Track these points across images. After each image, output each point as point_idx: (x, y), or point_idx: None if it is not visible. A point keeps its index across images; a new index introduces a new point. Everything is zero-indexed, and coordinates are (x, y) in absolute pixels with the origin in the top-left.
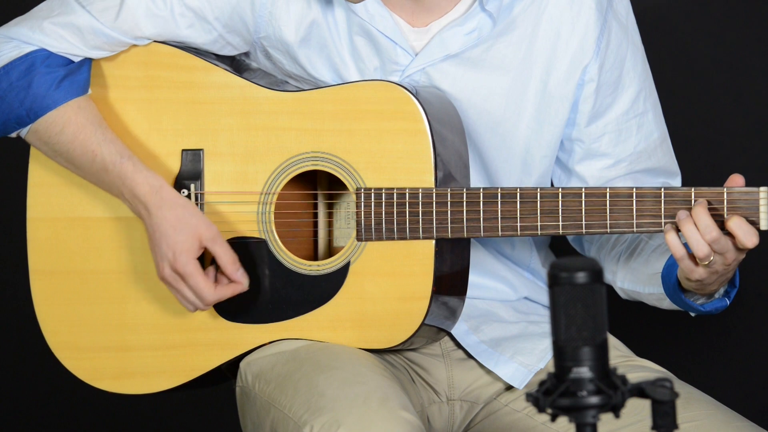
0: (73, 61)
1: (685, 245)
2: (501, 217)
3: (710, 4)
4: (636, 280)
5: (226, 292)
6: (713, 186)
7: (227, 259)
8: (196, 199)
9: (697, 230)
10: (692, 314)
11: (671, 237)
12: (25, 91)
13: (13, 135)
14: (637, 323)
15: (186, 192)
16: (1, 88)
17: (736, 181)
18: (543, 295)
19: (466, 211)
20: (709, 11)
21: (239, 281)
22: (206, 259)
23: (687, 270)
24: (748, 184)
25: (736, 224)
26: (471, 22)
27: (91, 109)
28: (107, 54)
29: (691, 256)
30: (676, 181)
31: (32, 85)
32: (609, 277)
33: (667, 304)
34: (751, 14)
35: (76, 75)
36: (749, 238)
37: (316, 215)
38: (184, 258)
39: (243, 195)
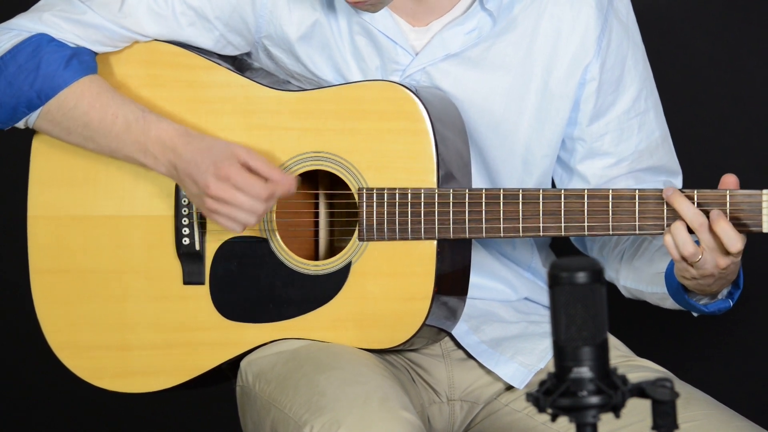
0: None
1: None
2: (503, 218)
3: (710, 3)
4: (639, 279)
5: (278, 187)
6: (714, 188)
7: (269, 167)
8: None
9: (685, 230)
10: (695, 314)
11: (668, 238)
12: (34, 73)
13: (21, 125)
14: (637, 323)
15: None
16: (9, 73)
17: (729, 180)
18: (543, 296)
19: (468, 211)
20: (708, 10)
21: (289, 181)
22: None
23: (682, 269)
24: (748, 184)
25: (722, 229)
26: (471, 21)
27: (103, 81)
28: (109, 49)
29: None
30: (678, 180)
31: (41, 65)
32: (612, 275)
33: (669, 303)
34: (751, 13)
35: (83, 55)
36: (733, 244)
37: (317, 215)
38: (227, 162)
39: None
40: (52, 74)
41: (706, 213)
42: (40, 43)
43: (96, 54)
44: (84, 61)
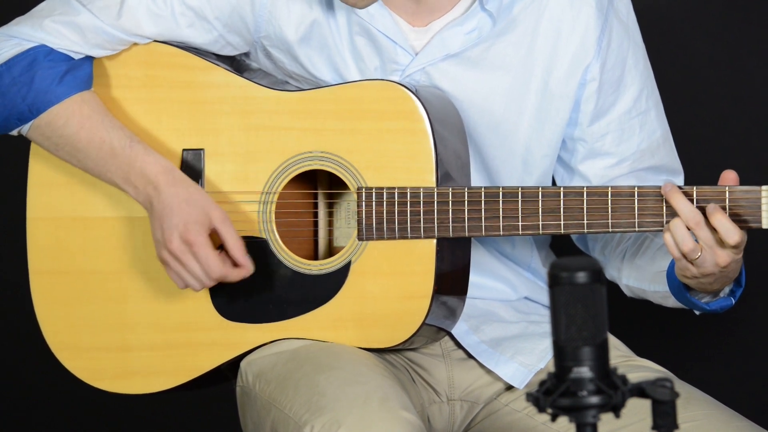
0: (74, 58)
1: None
2: (502, 216)
3: (710, 3)
4: (641, 277)
5: (231, 273)
6: (714, 185)
7: (236, 242)
8: None
9: (684, 227)
10: (697, 312)
11: (668, 236)
12: (27, 87)
13: (14, 133)
14: (637, 323)
15: None
16: (3, 84)
17: (729, 176)
18: (543, 295)
19: (468, 210)
20: (708, 10)
21: (246, 265)
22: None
23: (682, 267)
24: (747, 183)
25: (718, 221)
26: (471, 21)
27: (96, 101)
28: (108, 53)
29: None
30: (679, 179)
31: (35, 80)
32: (614, 274)
33: (672, 302)
34: (751, 13)
35: (78, 70)
36: (730, 236)
37: (316, 215)
38: (196, 227)
39: (244, 195)
40: (45, 90)
41: (703, 210)
42: (37, 56)
43: (94, 60)
44: (78, 77)
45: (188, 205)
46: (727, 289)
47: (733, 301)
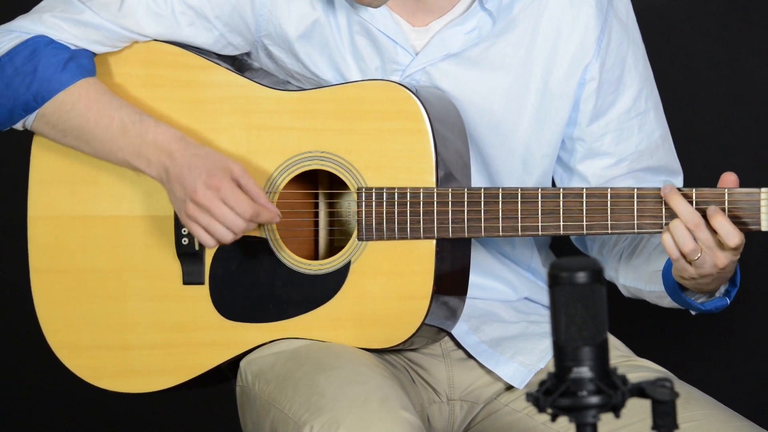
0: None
1: None
2: (502, 217)
3: (710, 3)
4: (637, 278)
5: (263, 211)
6: (713, 187)
7: (260, 191)
8: None
9: (684, 227)
10: (693, 312)
11: (666, 237)
12: (31, 76)
13: (19, 126)
14: (637, 323)
15: None
16: (6, 75)
17: (729, 179)
18: (543, 296)
19: (467, 210)
20: (708, 10)
21: (273, 210)
22: None
23: (680, 268)
24: (747, 183)
25: (719, 223)
26: (471, 21)
27: (101, 85)
28: (108, 49)
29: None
30: (678, 180)
31: (38, 68)
32: (611, 274)
33: (667, 302)
34: (751, 13)
35: (81, 58)
36: (731, 238)
37: (317, 214)
38: (219, 173)
39: None
40: (49, 77)
41: (703, 212)
42: (38, 45)
43: (95, 55)
44: (82, 65)
45: (206, 158)
46: (722, 289)
47: (728, 301)
